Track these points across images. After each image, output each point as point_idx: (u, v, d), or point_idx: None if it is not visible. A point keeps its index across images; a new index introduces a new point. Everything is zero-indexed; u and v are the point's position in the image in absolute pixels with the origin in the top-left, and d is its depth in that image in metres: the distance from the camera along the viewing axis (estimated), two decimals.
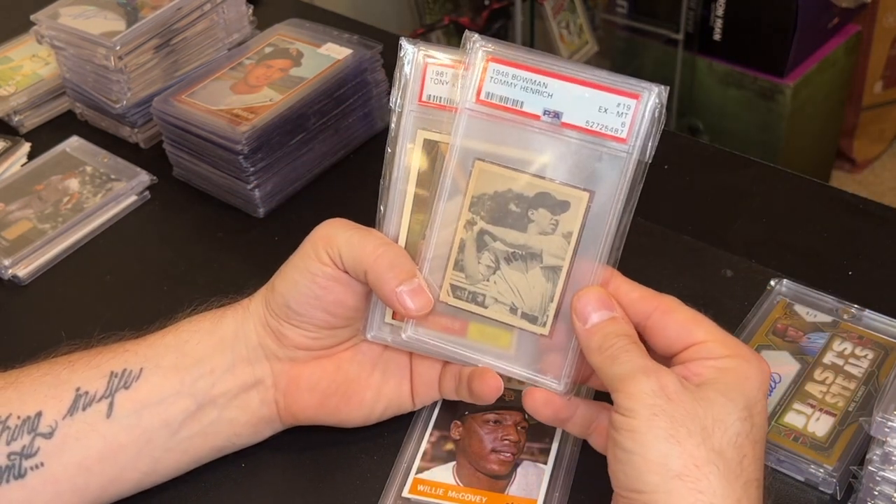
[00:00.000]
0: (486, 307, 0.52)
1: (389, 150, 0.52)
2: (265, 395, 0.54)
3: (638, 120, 0.48)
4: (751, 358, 0.47)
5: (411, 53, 0.52)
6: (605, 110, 0.48)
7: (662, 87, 0.48)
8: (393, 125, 0.52)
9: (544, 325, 0.51)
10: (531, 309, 0.51)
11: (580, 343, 0.49)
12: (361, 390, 0.55)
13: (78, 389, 0.51)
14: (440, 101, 0.52)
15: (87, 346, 0.55)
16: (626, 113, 0.48)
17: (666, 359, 0.48)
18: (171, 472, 0.54)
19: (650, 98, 0.48)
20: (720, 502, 0.42)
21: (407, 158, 0.52)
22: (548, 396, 0.51)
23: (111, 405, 0.51)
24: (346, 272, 0.51)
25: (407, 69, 0.52)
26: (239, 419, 0.54)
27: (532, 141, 0.50)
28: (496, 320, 0.52)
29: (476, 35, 0.50)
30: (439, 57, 0.52)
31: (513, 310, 0.51)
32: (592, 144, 0.49)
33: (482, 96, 0.50)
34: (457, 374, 0.54)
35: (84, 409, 0.51)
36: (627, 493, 0.44)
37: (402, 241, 0.53)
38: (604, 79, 0.49)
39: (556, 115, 0.49)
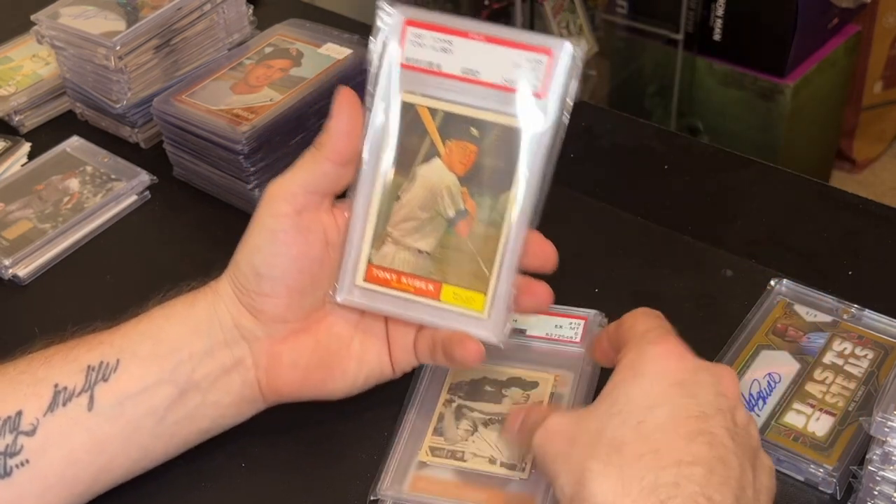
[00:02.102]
0: (465, 461, 0.55)
1: (366, 110, 0.52)
2: (246, 376, 0.54)
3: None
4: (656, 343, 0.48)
5: (390, 14, 0.52)
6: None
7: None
8: (370, 87, 0.52)
9: (523, 470, 0.54)
10: (509, 458, 0.54)
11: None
12: (343, 361, 0.55)
13: (56, 386, 0.51)
14: (419, 64, 0.51)
15: (63, 339, 0.55)
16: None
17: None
18: (161, 458, 0.55)
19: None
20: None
21: (384, 120, 0.52)
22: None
23: (91, 398, 0.51)
24: (305, 212, 0.52)
25: (385, 31, 0.52)
26: (222, 401, 0.54)
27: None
28: (475, 469, 0.54)
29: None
30: (420, 19, 0.51)
31: (492, 461, 0.54)
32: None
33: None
34: (430, 337, 0.54)
35: (64, 404, 0.51)
36: None
37: (373, 210, 0.53)
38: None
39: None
